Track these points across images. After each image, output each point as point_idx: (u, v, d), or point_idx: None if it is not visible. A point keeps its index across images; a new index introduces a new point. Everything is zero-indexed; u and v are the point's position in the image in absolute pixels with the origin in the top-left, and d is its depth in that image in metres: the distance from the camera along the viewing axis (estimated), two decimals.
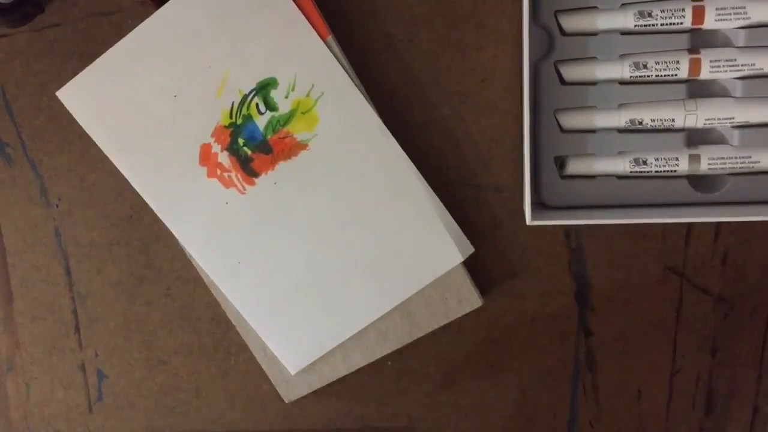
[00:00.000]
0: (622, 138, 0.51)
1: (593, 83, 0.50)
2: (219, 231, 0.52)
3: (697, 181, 0.51)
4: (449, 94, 0.52)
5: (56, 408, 0.56)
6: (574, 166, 0.51)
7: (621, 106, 0.50)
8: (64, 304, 0.55)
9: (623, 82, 0.50)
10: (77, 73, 0.51)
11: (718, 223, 0.53)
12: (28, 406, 0.56)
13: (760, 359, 0.54)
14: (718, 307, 0.54)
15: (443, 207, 0.51)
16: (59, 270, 0.55)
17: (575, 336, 0.54)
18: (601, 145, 0.51)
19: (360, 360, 0.53)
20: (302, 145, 0.51)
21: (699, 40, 0.50)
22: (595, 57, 0.50)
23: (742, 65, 0.49)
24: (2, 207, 0.54)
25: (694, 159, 0.50)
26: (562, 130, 0.51)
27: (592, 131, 0.51)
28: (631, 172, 0.51)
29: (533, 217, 0.48)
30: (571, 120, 0.51)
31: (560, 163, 0.51)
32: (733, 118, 0.50)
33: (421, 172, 0.51)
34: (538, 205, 0.51)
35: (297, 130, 0.51)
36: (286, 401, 0.54)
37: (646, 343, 0.54)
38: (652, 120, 0.50)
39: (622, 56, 0.50)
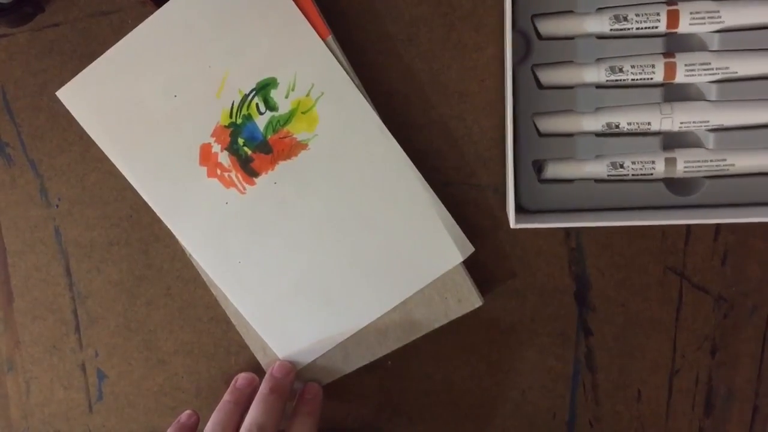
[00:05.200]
0: (599, 142, 0.51)
1: (570, 87, 0.50)
2: (219, 231, 0.52)
3: (673, 184, 0.51)
4: (449, 94, 0.52)
5: (56, 408, 0.56)
6: (553, 170, 0.51)
7: (598, 109, 0.50)
8: (64, 304, 0.55)
9: (600, 86, 0.50)
10: (77, 73, 0.51)
11: (718, 223, 0.53)
12: (28, 406, 0.56)
13: (760, 359, 0.54)
14: (718, 307, 0.54)
15: (443, 207, 0.51)
16: (59, 270, 0.55)
17: (575, 336, 0.54)
18: (579, 149, 0.51)
19: (360, 360, 0.53)
20: (302, 145, 0.51)
21: (674, 44, 0.50)
22: (571, 61, 0.50)
23: (716, 69, 0.49)
24: (2, 207, 0.54)
25: (670, 162, 0.50)
26: (540, 134, 0.51)
27: (570, 135, 0.51)
28: (608, 175, 0.51)
29: (517, 221, 0.48)
30: (549, 124, 0.51)
31: (538, 167, 0.52)
32: (708, 121, 0.50)
33: (421, 172, 0.51)
34: (518, 209, 0.51)
35: (297, 130, 0.51)
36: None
37: (646, 343, 0.54)
38: (629, 123, 0.50)
39: (599, 60, 0.50)
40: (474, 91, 0.52)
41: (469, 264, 0.52)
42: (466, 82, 0.52)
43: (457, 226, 0.51)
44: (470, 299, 0.52)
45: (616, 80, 0.50)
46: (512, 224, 0.48)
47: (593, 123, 0.50)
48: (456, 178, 0.53)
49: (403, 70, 0.52)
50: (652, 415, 0.55)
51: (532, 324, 0.54)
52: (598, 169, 0.51)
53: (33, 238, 0.54)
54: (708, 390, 0.54)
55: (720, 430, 0.55)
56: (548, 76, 0.50)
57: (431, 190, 0.51)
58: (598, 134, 0.51)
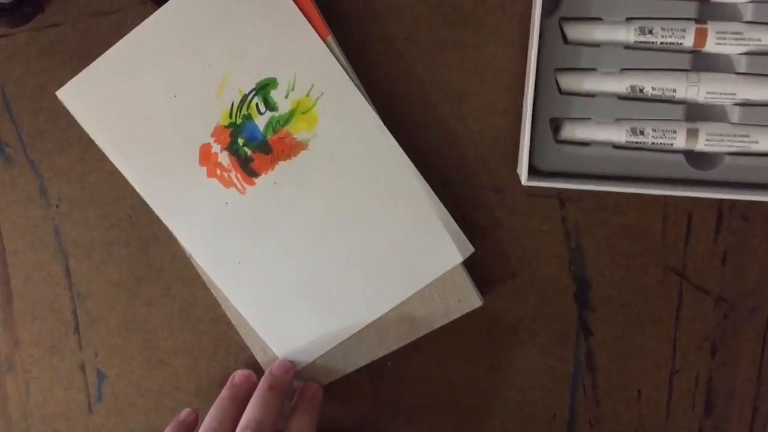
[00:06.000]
0: (621, 105, 0.50)
1: (597, 45, 0.49)
2: (219, 231, 0.52)
3: (693, 157, 0.50)
4: (449, 94, 0.52)
5: (56, 408, 0.56)
6: (570, 131, 0.50)
7: (623, 71, 0.49)
8: (64, 304, 0.55)
9: (627, 47, 0.49)
10: (77, 73, 0.51)
11: (718, 223, 0.53)
12: (28, 406, 0.56)
13: (760, 359, 0.54)
14: (718, 307, 0.54)
15: (443, 207, 0.51)
16: (59, 270, 0.55)
17: (575, 336, 0.54)
18: (599, 111, 0.50)
19: (360, 360, 0.53)
20: (302, 145, 0.51)
21: (707, 11, 0.49)
22: (600, 18, 0.49)
23: (748, 39, 0.48)
24: (2, 207, 0.54)
25: (692, 134, 0.49)
26: (561, 91, 0.50)
27: (591, 95, 0.50)
28: (627, 141, 0.50)
29: (529, 179, 0.48)
30: (571, 82, 0.50)
31: (555, 126, 0.51)
32: (735, 94, 0.49)
33: (421, 172, 0.51)
34: (530, 168, 0.50)
35: (297, 130, 0.51)
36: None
37: (646, 343, 0.54)
38: (654, 89, 0.49)
39: (629, 19, 0.49)
40: (474, 91, 0.52)
41: (469, 264, 0.52)
42: (466, 82, 0.52)
43: (457, 226, 0.51)
44: (470, 299, 0.52)
45: (645, 42, 0.49)
46: (523, 182, 0.48)
47: (617, 84, 0.49)
48: (456, 178, 0.53)
49: (403, 70, 0.52)
50: (652, 415, 0.55)
51: (532, 324, 0.54)
52: (617, 133, 0.50)
53: (33, 238, 0.54)
54: (708, 390, 0.54)
55: (720, 430, 0.55)
56: (575, 32, 0.49)
57: (431, 190, 0.51)
58: (620, 97, 0.50)
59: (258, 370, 0.54)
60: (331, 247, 0.52)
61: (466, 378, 0.55)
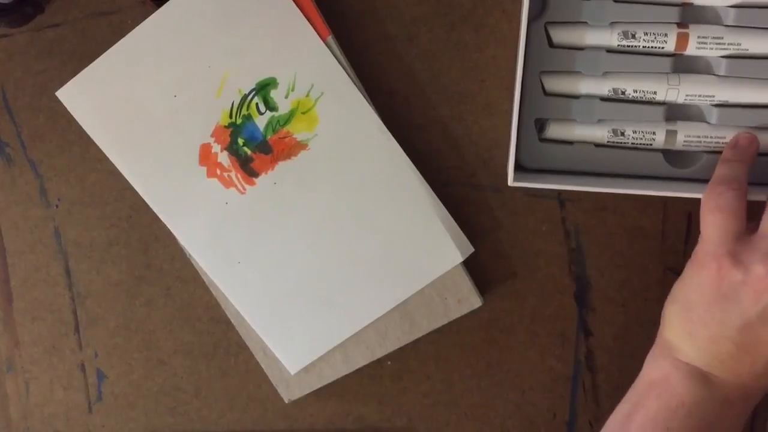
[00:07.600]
0: (603, 106, 0.51)
1: (581, 48, 0.50)
2: (219, 231, 0.52)
3: (671, 155, 0.51)
4: (449, 94, 0.52)
5: (56, 408, 0.56)
6: (554, 131, 0.51)
7: (606, 74, 0.50)
8: (64, 304, 0.55)
9: (610, 50, 0.50)
10: (77, 73, 0.51)
11: None
12: (28, 406, 0.56)
13: None
14: None
15: (443, 207, 0.51)
16: (59, 270, 0.55)
17: (575, 336, 0.54)
18: (582, 112, 0.51)
19: (360, 360, 0.53)
20: (302, 145, 0.51)
21: (689, 14, 0.50)
22: (585, 22, 0.50)
23: (728, 44, 0.49)
24: (2, 207, 0.54)
25: (671, 134, 0.51)
26: (546, 93, 0.51)
27: (575, 97, 0.51)
28: (608, 141, 0.51)
29: (515, 179, 0.49)
30: (555, 84, 0.51)
31: (540, 126, 0.51)
32: (714, 96, 0.50)
33: (421, 172, 0.51)
34: (516, 167, 0.51)
35: (297, 130, 0.51)
36: (286, 401, 0.54)
37: (646, 343, 0.54)
38: (635, 91, 0.50)
39: (612, 24, 0.50)
40: (474, 91, 0.52)
41: (469, 264, 0.52)
42: (466, 82, 0.52)
43: (457, 226, 0.51)
44: (470, 299, 0.52)
45: (628, 46, 0.50)
46: (510, 182, 0.49)
47: (599, 87, 0.50)
48: (456, 178, 0.53)
49: (403, 70, 0.52)
50: None
51: (532, 324, 0.54)
52: (599, 133, 0.51)
53: (33, 238, 0.54)
54: None
55: None
56: (560, 35, 0.50)
57: (431, 190, 0.51)
58: (603, 98, 0.51)
59: (258, 370, 0.54)
60: (331, 247, 0.52)
61: (466, 378, 0.55)
